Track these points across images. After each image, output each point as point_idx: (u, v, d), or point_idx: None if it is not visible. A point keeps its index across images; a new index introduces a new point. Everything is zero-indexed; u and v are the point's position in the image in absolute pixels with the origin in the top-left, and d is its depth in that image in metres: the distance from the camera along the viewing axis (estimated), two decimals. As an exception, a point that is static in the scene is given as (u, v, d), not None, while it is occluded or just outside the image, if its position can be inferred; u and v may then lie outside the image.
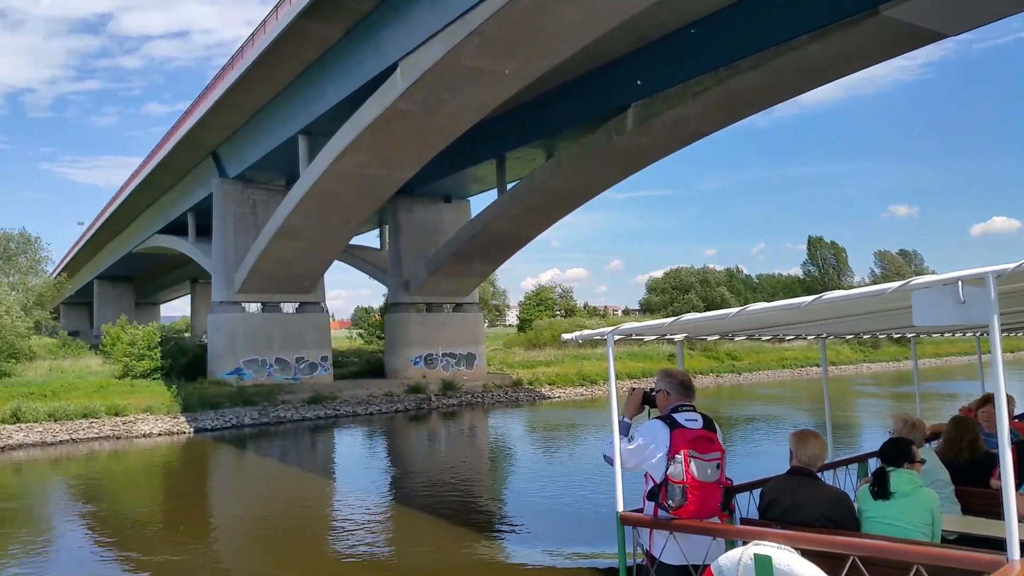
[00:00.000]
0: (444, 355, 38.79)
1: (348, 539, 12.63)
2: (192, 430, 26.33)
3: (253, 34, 25.73)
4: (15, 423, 24.00)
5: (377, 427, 28.80)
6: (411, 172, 26.61)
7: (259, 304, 34.49)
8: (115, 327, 35.08)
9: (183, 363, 33.43)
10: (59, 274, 71.67)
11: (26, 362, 33.23)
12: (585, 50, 20.42)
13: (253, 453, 24.04)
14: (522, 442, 25.63)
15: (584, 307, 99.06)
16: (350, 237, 31.68)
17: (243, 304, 34.17)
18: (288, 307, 35.73)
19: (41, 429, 24.10)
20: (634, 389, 4.97)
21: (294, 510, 15.49)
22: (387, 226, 41.80)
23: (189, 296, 78.78)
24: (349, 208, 28.45)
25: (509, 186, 32.52)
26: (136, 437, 25.33)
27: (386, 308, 39.52)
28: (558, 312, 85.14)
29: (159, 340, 32.50)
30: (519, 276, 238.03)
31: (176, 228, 44.32)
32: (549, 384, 39.53)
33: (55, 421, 24.68)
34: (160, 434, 25.78)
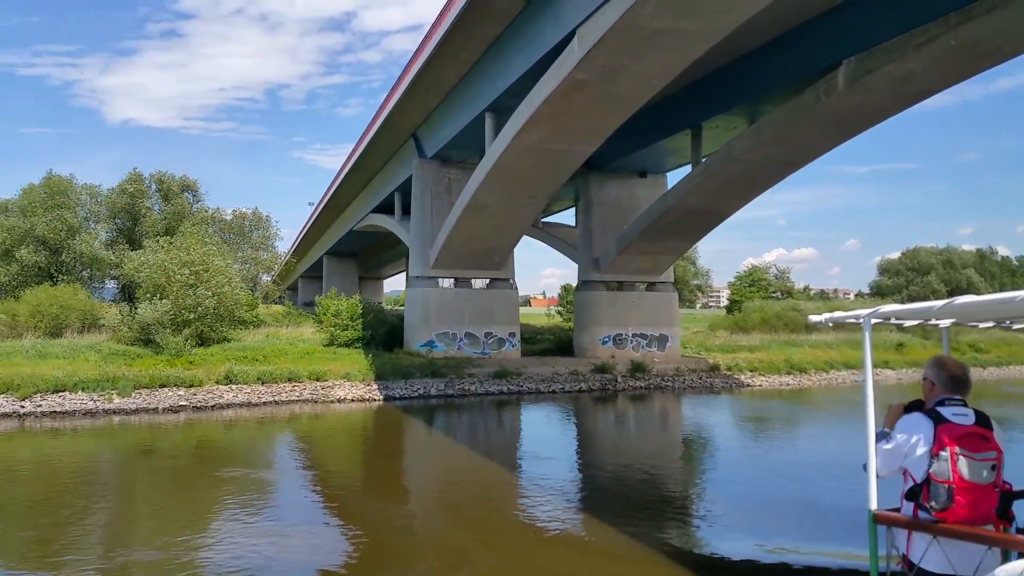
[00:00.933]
0: (634, 335, 37.62)
1: (542, 515, 12.64)
2: (382, 398, 27.53)
3: (441, 13, 26.00)
4: (228, 384, 26.34)
5: (561, 405, 28.52)
6: (594, 146, 25.66)
7: (452, 279, 35.40)
8: (327, 299, 37.63)
9: (382, 334, 35.20)
10: (295, 249, 79.21)
11: (252, 328, 36.60)
12: (785, 1, 18.29)
13: (441, 423, 24.78)
14: (723, 430, 24.24)
15: (804, 289, 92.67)
16: (537, 214, 31.42)
17: (437, 279, 35.25)
18: (479, 283, 36.37)
19: (249, 391, 26.30)
20: (892, 406, 4.71)
21: (484, 482, 15.77)
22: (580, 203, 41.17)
23: (404, 272, 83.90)
24: (533, 184, 28.12)
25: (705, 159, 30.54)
26: (331, 402, 26.92)
27: (577, 287, 38.98)
28: (773, 294, 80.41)
29: (360, 312, 34.38)
30: (738, 256, 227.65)
31: (386, 207, 46.77)
32: (750, 371, 37.00)
33: (262, 384, 26.80)
34: (353, 400, 27.20)
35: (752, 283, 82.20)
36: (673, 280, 39.99)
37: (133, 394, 24.55)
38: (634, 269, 37.39)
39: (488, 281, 36.49)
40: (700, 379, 34.60)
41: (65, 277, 35.45)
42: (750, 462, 18.56)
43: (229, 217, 48.39)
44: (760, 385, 35.14)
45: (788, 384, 35.82)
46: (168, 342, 27.98)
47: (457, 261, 34.48)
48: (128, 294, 35.24)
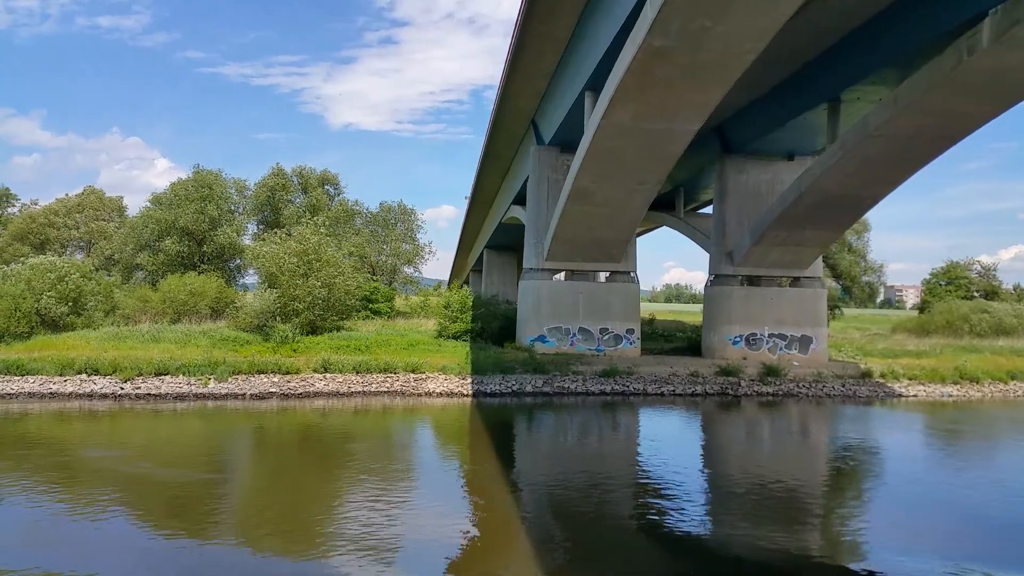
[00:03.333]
0: (771, 335, 33.92)
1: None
2: (472, 392, 26.51)
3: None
4: (323, 373, 26.48)
5: (667, 409, 26.06)
6: (696, 124, 22.91)
7: (565, 272, 33.72)
8: (449, 291, 37.30)
9: (495, 328, 34.25)
10: (459, 244, 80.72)
11: (374, 318, 37.04)
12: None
13: (525, 424, 23.43)
14: (875, 445, 21.38)
15: (1016, 289, 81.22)
16: (648, 202, 28.85)
17: (551, 271, 33.72)
18: (600, 276, 34.38)
19: (342, 379, 26.28)
20: None
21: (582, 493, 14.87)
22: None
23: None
24: (636, 168, 25.79)
25: (845, 136, 26.62)
26: (420, 395, 26.29)
27: (708, 282, 35.80)
28: (976, 294, 71.12)
29: (471, 304, 33.64)
30: (970, 253, 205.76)
31: (521, 199, 45.86)
32: (908, 379, 32.15)
33: (356, 374, 26.70)
34: (441, 394, 26.40)
35: (950, 281, 73.24)
36: (821, 275, 35.64)
37: (230, 380, 25.30)
38: (772, 263, 33.69)
39: (608, 275, 34.42)
40: (843, 386, 30.47)
41: (206, 266, 37.82)
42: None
43: (375, 210, 49.73)
44: (916, 395, 30.38)
45: (952, 396, 30.67)
46: (275, 330, 28.71)
47: (571, 253, 32.74)
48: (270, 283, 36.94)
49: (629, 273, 34.22)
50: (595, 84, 25.38)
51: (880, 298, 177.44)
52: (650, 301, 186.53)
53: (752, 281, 34.44)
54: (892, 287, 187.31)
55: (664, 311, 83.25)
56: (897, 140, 23.82)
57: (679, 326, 47.34)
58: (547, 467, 17.60)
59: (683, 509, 14.01)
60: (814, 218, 29.71)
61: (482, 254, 78.05)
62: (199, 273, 36.47)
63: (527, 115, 34.67)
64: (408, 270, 50.73)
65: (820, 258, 35.09)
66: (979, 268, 75.66)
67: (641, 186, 27.27)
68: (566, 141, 33.67)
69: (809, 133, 32.45)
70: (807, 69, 27.26)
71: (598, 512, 13.64)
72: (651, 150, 24.57)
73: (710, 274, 35.54)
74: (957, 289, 70.93)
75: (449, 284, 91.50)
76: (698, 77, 20.07)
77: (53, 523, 12.16)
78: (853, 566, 11.43)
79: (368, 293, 42.68)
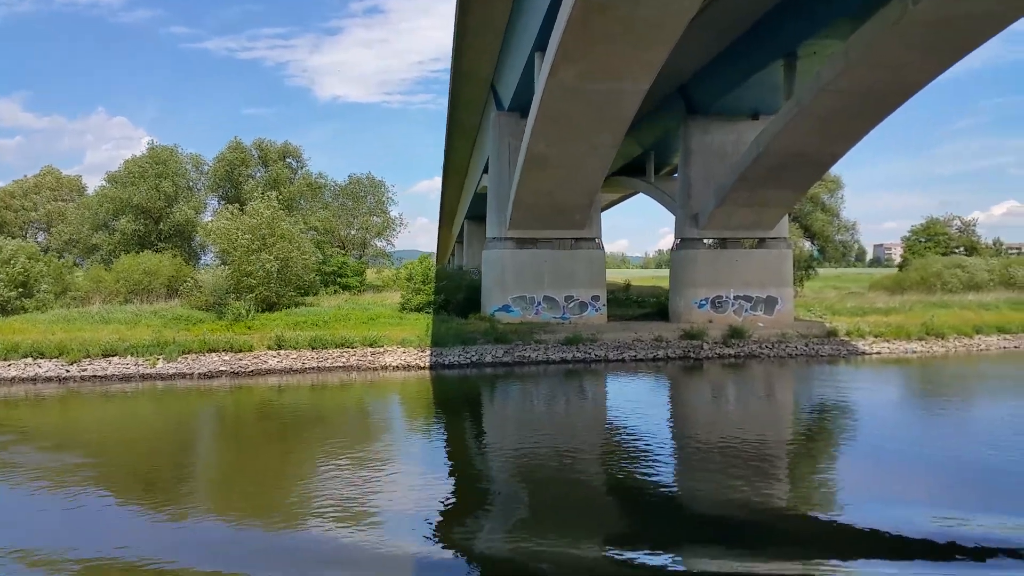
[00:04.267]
0: (736, 297, 33.58)
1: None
2: (429, 365, 26.11)
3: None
4: (277, 349, 25.98)
5: (629, 375, 25.69)
6: (645, 83, 22.23)
7: (529, 240, 33.16)
8: (415, 262, 36.76)
9: (460, 299, 33.78)
10: (441, 215, 79.89)
11: (343, 293, 36.46)
12: None
13: (487, 394, 23.14)
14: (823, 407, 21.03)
15: (995, 244, 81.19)
16: (607, 165, 28.28)
17: (514, 240, 33.17)
18: (564, 243, 33.80)
19: (296, 356, 25.79)
20: None
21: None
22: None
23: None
24: (589, 131, 25.12)
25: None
26: (376, 368, 25.87)
27: (674, 245, 35.33)
28: (956, 250, 71.10)
29: (434, 275, 33.11)
30: (963, 210, 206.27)
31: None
32: (875, 336, 31.95)
33: (312, 349, 26.21)
34: (398, 367, 25.99)
35: (929, 238, 73.22)
36: (787, 235, 35.24)
37: (179, 359, 24.80)
38: (737, 224, 33.24)
39: (573, 241, 33.85)
40: (807, 346, 30.23)
41: (164, 245, 37.08)
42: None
43: (343, 182, 48.88)
44: (880, 353, 30.19)
45: (916, 352, 30.52)
46: (228, 307, 28.15)
47: (533, 220, 32.16)
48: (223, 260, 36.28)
49: (594, 239, 33.69)
50: (542, 44, 24.65)
51: (869, 256, 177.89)
52: (642, 268, 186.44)
53: (718, 243, 34.02)
54: (881, 245, 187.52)
55: (650, 277, 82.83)
56: (851, 95, 23.27)
57: (654, 291, 47.02)
58: (512, 436, 17.32)
59: (651, 472, 13.94)
60: (775, 178, 29.21)
61: (463, 226, 77.43)
62: (156, 252, 35.75)
63: (485, 80, 33.86)
64: (380, 243, 50.00)
65: (786, 218, 34.70)
66: (959, 224, 75.63)
67: (596, 150, 26.63)
68: (524, 105, 32.75)
69: (772, 91, 31.67)
70: (762, 24, 26.64)
71: (568, 477, 13.48)
72: (602, 112, 23.92)
73: (676, 237, 35.09)
74: (936, 246, 70.95)
75: (438, 257, 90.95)
76: (639, 34, 19.39)
77: (21, 503, 11.95)
78: (822, 516, 11.53)
79: (336, 268, 42.11)
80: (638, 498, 12.41)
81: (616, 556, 9.89)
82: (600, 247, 33.91)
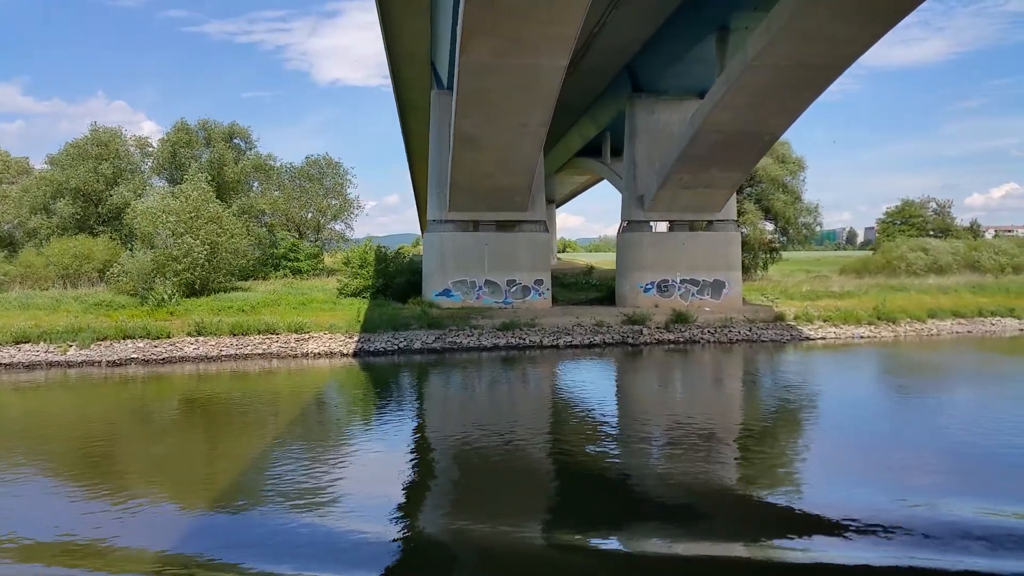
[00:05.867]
0: (683, 281, 32.92)
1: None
2: (352, 352, 25.37)
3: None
4: (196, 336, 25.21)
5: (564, 362, 24.95)
6: (562, 59, 21.37)
7: (470, 222, 32.37)
8: (360, 246, 35.96)
9: (402, 283, 33.03)
10: (416, 200, 78.92)
11: (286, 278, 35.61)
12: None
13: (412, 383, 22.30)
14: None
15: (972, 227, 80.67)
16: (539, 145, 27.44)
17: (454, 223, 32.37)
18: (511, 226, 33.01)
19: (215, 343, 25.03)
20: None
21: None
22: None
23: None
24: (514, 109, 24.27)
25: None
26: (298, 356, 25.11)
27: (621, 228, 34.56)
28: (931, 233, 70.60)
29: (373, 258, 32.32)
30: (963, 192, 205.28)
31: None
32: (823, 321, 31.33)
33: (232, 336, 25.45)
34: (321, 354, 25.24)
35: (904, 221, 72.66)
36: (735, 218, 34.52)
37: (92, 346, 24.03)
38: (683, 206, 32.53)
39: (516, 224, 33.03)
40: (751, 331, 29.57)
41: (103, 229, 36.16)
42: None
43: (300, 164, 47.91)
44: (825, 338, 29.57)
45: (863, 337, 29.90)
46: (151, 293, 27.34)
47: (473, 203, 31.36)
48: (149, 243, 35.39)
49: (537, 222, 32.88)
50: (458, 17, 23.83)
51: (861, 239, 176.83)
52: (590, 251, 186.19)
53: (669, 226, 33.32)
54: (872, 228, 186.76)
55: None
56: (781, 69, 22.51)
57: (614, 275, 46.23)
58: (443, 425, 16.88)
59: (583, 456, 13.69)
60: (715, 157, 28.46)
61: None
62: (94, 235, 34.86)
63: (424, 60, 32.91)
64: (339, 226, 49.01)
65: (734, 201, 34.00)
66: (935, 206, 75.07)
67: (524, 128, 25.77)
68: (462, 84, 32.05)
69: (713, 68, 31.02)
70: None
71: (509, 464, 13.21)
72: (524, 89, 23.07)
73: (623, 220, 34.32)
74: (910, 228, 70.42)
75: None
76: (546, 7, 18.57)
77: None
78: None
79: (285, 251, 41.26)
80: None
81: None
82: (545, 230, 33.12)
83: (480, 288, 31.97)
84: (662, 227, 34.19)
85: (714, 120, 25.71)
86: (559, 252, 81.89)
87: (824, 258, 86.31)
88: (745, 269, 47.54)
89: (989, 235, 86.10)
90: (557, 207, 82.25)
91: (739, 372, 24.13)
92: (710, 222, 33.41)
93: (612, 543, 9.80)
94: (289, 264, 40.38)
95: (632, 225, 33.55)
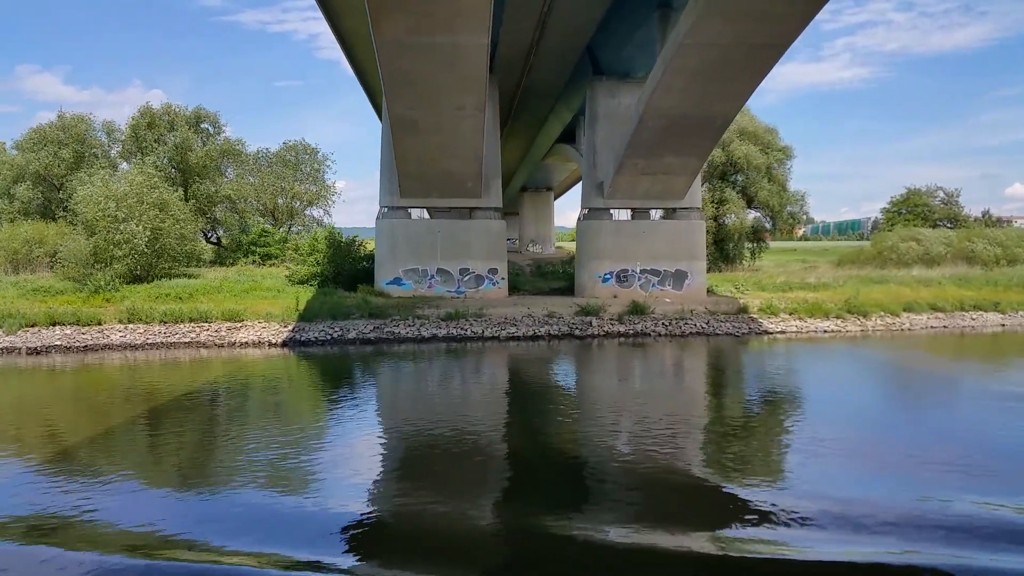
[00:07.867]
0: (643, 271, 31.90)
1: None
2: (280, 342, 24.76)
3: None
4: (127, 323, 24.77)
5: (496, 357, 24.05)
6: (482, 36, 20.53)
7: (424, 209, 31.62)
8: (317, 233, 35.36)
9: (355, 270, 32.39)
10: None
11: (239, 265, 35.14)
12: None
13: (314, 375, 21.60)
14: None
15: (984, 216, 78.26)
16: (480, 129, 26.54)
17: (408, 209, 31.65)
18: (464, 213, 32.26)
19: (142, 330, 24.57)
20: None
21: None
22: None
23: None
24: (444, 92, 23.53)
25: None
26: (225, 346, 24.57)
27: (580, 216, 33.58)
28: (940, 223, 68.67)
29: (322, 246, 31.70)
30: (1004, 182, 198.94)
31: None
32: (788, 313, 30.18)
33: (163, 324, 24.98)
34: (248, 343, 24.67)
35: (909, 210, 70.64)
36: (700, 205, 33.35)
37: (19, 332, 23.69)
38: (643, 193, 31.49)
39: (469, 211, 32.21)
40: (707, 324, 28.51)
41: (65, 213, 35.92)
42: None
43: (276, 149, 47.45)
44: (786, 332, 28.42)
45: (828, 331, 28.69)
46: (90, 279, 26.98)
47: (424, 189, 30.62)
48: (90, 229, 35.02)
49: (492, 209, 32.02)
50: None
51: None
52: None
53: (629, 214, 32.31)
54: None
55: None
56: (716, 49, 21.45)
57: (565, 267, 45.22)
58: (381, 417, 16.35)
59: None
60: (666, 143, 27.40)
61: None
62: (54, 221, 34.67)
63: (365, 36, 32.06)
64: (316, 212, 48.47)
65: (698, 187, 32.84)
66: (942, 195, 72.97)
67: (461, 112, 24.97)
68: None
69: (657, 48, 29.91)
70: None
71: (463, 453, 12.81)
72: (450, 68, 22.28)
73: (583, 207, 33.33)
74: (915, 218, 68.47)
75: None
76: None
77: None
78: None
79: (254, 237, 40.84)
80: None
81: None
82: (500, 217, 32.27)
83: (432, 277, 31.25)
84: (624, 215, 33.14)
85: (657, 104, 24.67)
86: (557, 242, 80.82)
87: (836, 248, 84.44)
88: (729, 259, 46.50)
89: (1019, 224, 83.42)
90: (556, 196, 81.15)
91: (660, 369, 22.96)
92: (673, 210, 32.33)
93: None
94: (259, 251, 39.96)
95: (592, 213, 32.58)
